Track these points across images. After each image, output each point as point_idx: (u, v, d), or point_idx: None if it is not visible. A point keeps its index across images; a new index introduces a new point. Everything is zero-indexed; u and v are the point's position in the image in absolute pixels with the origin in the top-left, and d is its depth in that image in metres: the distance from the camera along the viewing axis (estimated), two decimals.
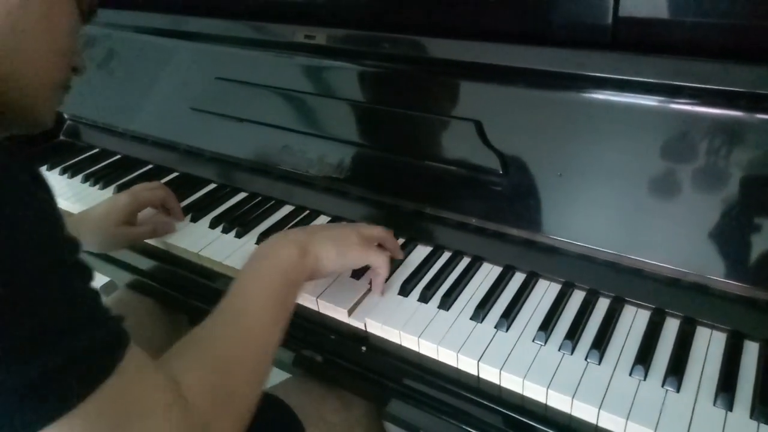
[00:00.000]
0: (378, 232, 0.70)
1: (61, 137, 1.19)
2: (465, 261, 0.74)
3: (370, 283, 0.71)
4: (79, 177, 1.03)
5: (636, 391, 0.55)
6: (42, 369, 0.36)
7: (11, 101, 0.48)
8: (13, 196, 0.38)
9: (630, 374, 0.57)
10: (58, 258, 0.39)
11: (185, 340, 0.51)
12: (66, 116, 1.19)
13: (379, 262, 0.67)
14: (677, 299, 0.63)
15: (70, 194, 0.99)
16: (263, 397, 0.73)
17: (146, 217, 0.87)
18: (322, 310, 0.71)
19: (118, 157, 1.09)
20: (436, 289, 0.70)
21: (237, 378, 0.51)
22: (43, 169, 1.08)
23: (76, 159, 1.09)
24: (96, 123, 1.13)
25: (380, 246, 0.71)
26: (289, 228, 0.83)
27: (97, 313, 0.41)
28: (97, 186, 1.00)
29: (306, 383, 0.78)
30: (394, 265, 0.74)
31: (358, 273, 0.73)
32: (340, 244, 0.64)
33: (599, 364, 0.58)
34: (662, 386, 0.56)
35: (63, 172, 1.05)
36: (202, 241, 0.83)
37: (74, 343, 0.38)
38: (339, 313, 0.69)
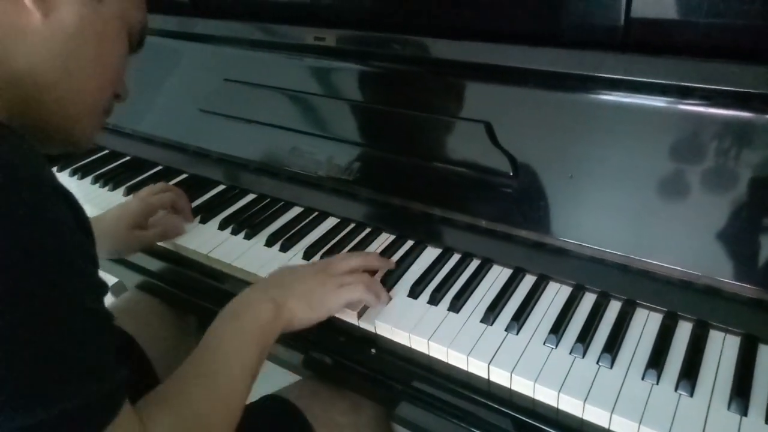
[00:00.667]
0: (354, 263, 0.70)
1: None
2: (475, 263, 0.74)
3: None
4: (89, 178, 1.03)
5: (649, 396, 0.55)
6: (38, 419, 0.37)
7: (58, 123, 0.50)
8: (49, 239, 0.39)
9: (642, 378, 0.57)
10: (78, 304, 0.40)
11: (160, 395, 0.52)
12: None
13: (356, 297, 0.66)
14: (690, 302, 0.62)
15: (81, 195, 0.99)
16: (273, 399, 0.74)
17: (157, 218, 0.87)
18: None
19: (128, 158, 1.09)
20: (446, 292, 0.70)
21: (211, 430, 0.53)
22: (54, 170, 1.08)
23: (86, 160, 1.10)
24: (106, 124, 1.13)
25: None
26: (297, 229, 0.84)
27: (102, 367, 0.42)
28: (107, 187, 1.00)
29: (315, 385, 0.77)
30: (402, 268, 0.74)
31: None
32: (315, 299, 0.65)
33: (611, 367, 0.58)
34: (675, 390, 0.55)
35: (73, 173, 1.06)
36: (211, 242, 0.83)
37: (74, 397, 0.39)
38: (348, 315, 0.69)
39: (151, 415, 0.49)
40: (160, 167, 1.05)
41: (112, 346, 0.44)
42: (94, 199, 0.98)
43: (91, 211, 0.95)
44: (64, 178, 1.06)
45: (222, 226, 0.86)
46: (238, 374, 0.57)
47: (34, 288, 0.37)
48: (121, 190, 0.99)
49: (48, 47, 0.47)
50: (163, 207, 0.87)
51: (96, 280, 0.44)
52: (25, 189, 0.39)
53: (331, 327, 0.70)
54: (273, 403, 0.74)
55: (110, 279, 1.74)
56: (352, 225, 0.84)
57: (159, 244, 0.86)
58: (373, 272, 0.72)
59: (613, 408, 0.54)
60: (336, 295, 0.66)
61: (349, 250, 0.78)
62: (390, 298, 0.70)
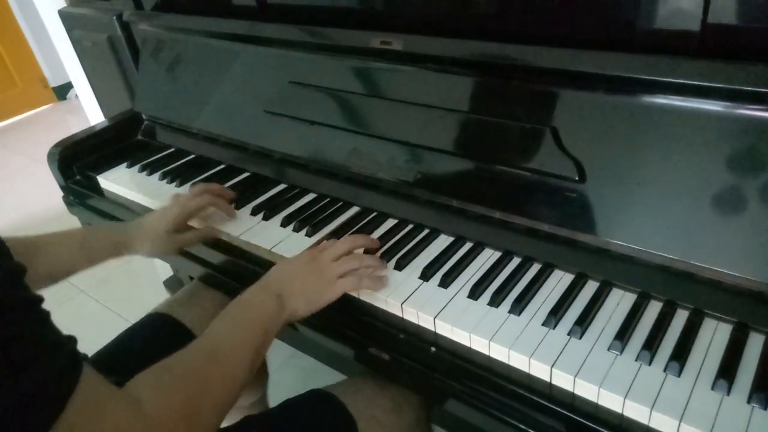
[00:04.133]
0: (343, 248, 0.74)
1: (139, 137, 1.25)
2: (535, 267, 0.74)
3: None
4: (157, 174, 1.08)
5: (719, 406, 0.54)
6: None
7: None
8: None
9: (712, 388, 0.55)
10: None
11: (158, 366, 0.54)
12: (144, 117, 1.25)
13: (349, 288, 0.72)
14: (762, 314, 0.61)
15: (149, 191, 1.04)
16: (319, 393, 0.75)
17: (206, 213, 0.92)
18: (390, 309, 0.72)
19: (192, 156, 1.14)
20: (507, 294, 0.70)
21: (204, 405, 0.55)
22: (123, 167, 1.14)
23: (154, 158, 1.15)
24: (171, 124, 1.19)
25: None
26: (356, 228, 0.85)
27: (44, 347, 0.43)
28: (174, 183, 1.05)
29: (360, 383, 0.79)
30: (461, 269, 0.75)
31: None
32: (314, 294, 0.70)
33: (679, 376, 0.57)
34: (748, 402, 0.54)
35: (142, 169, 1.11)
36: (274, 238, 0.86)
37: (26, 382, 0.40)
38: (408, 314, 0.70)
39: (143, 382, 0.51)
40: (223, 165, 1.09)
41: (42, 326, 0.44)
42: (161, 195, 1.02)
43: (160, 206, 1.00)
44: (133, 174, 1.11)
45: (284, 224, 0.89)
46: (238, 352, 0.61)
47: None
48: (187, 186, 1.03)
49: None
50: (201, 210, 0.90)
51: (4, 265, 0.44)
52: None
53: (391, 324, 0.71)
54: (317, 396, 0.75)
55: (166, 272, 1.81)
56: (410, 226, 0.85)
57: (223, 239, 0.90)
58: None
59: (682, 417, 0.53)
60: (332, 287, 0.71)
61: (407, 251, 0.79)
62: (384, 263, 0.76)
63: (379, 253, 0.79)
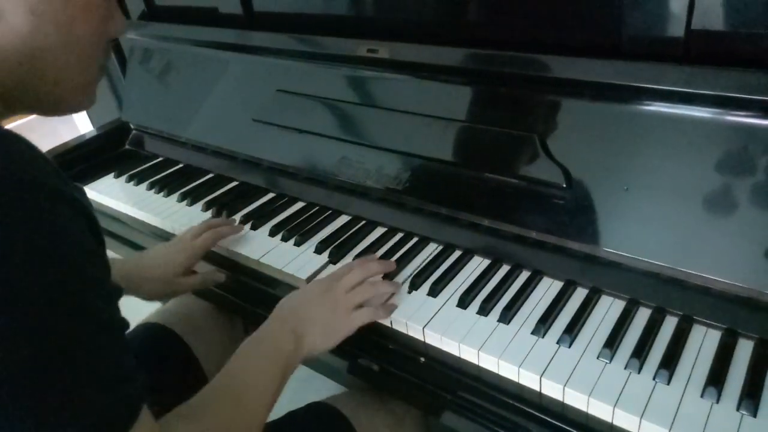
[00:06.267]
0: (357, 277, 0.72)
1: (127, 146, 1.24)
2: (524, 275, 0.73)
3: None
4: (145, 185, 1.07)
5: (709, 414, 0.53)
6: None
7: (44, 93, 0.47)
8: (50, 243, 0.37)
9: (702, 396, 0.55)
10: (85, 310, 0.40)
11: (185, 408, 0.54)
12: (132, 126, 1.25)
13: (367, 319, 0.69)
14: (751, 320, 0.61)
15: (136, 201, 1.03)
16: (320, 406, 0.75)
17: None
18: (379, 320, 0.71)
19: (181, 166, 1.13)
20: (496, 303, 0.69)
21: None
22: (110, 177, 1.13)
23: (141, 167, 1.14)
24: (160, 133, 1.18)
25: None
26: (345, 237, 0.85)
27: (116, 377, 0.41)
28: (162, 193, 1.04)
29: (361, 396, 0.78)
30: (450, 277, 0.74)
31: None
32: (329, 328, 0.68)
33: (668, 384, 0.57)
34: (737, 410, 0.54)
35: (129, 179, 1.10)
36: (262, 248, 0.85)
37: (87, 409, 0.39)
38: (398, 324, 0.70)
39: (173, 426, 0.50)
40: (211, 174, 1.08)
41: (126, 352, 0.43)
42: (149, 205, 1.01)
43: (148, 217, 0.99)
44: (121, 184, 1.10)
45: (272, 233, 0.88)
46: (261, 395, 0.60)
47: (34, 294, 0.36)
48: (175, 196, 1.02)
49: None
50: (207, 249, 0.86)
51: (107, 285, 0.43)
52: (25, 193, 0.37)
53: (380, 334, 0.71)
54: (320, 409, 0.75)
55: None
56: (400, 234, 0.85)
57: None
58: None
59: (671, 425, 0.53)
60: (348, 320, 0.68)
61: (397, 260, 0.79)
62: (399, 286, 0.73)
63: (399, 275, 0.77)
